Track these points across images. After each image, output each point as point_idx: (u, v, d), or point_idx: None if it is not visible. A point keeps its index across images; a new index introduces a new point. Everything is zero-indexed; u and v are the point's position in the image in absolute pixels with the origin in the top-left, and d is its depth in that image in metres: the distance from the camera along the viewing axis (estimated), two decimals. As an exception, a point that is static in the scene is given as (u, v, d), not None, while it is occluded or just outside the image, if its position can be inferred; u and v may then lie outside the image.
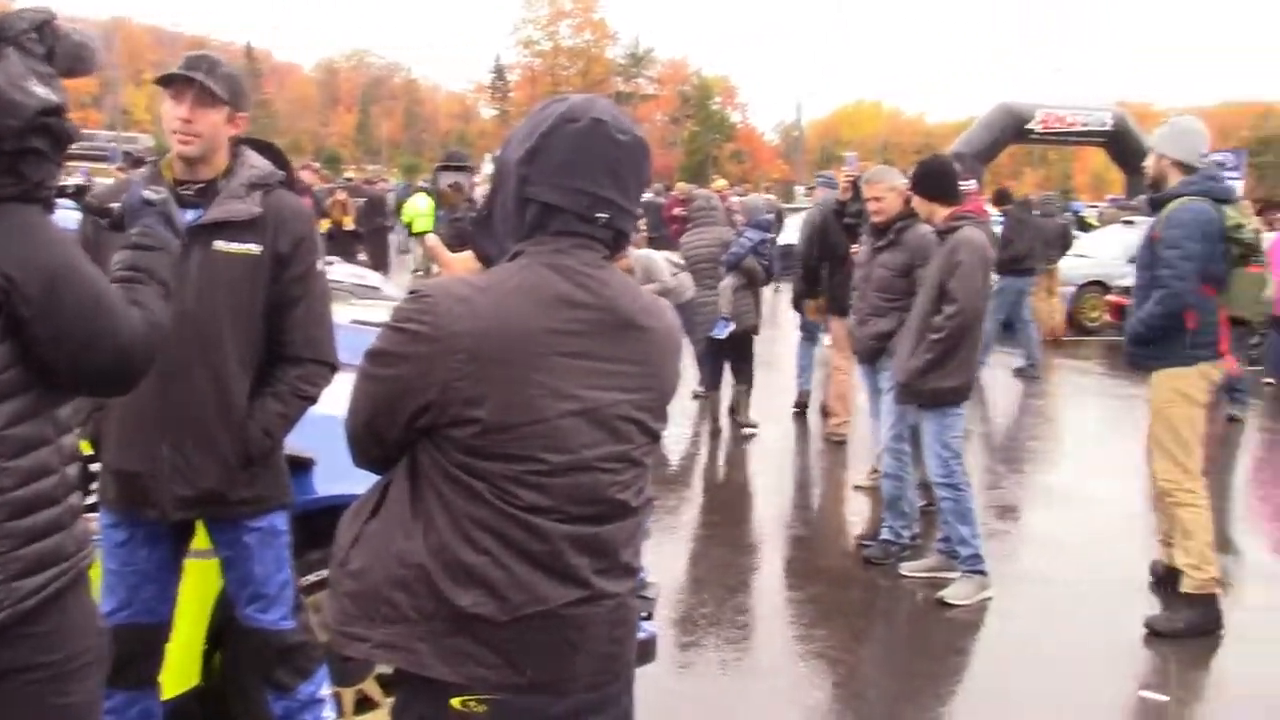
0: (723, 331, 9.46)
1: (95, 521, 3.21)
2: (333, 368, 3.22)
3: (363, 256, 17.60)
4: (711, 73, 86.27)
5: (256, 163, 3.15)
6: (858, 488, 8.06)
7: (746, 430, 9.81)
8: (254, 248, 3.05)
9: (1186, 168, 5.45)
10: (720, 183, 25.07)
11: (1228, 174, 28.82)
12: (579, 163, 1.90)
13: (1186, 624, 5.39)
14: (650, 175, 2.06)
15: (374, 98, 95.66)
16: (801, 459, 9.17)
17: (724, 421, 10.00)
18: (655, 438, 2.04)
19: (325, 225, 15.25)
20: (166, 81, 3.02)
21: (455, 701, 1.88)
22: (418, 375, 1.82)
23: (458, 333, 1.80)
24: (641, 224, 20.03)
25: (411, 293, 1.88)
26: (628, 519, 1.98)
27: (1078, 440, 10.12)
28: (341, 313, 7.51)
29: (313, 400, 3.19)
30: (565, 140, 1.90)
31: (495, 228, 2.00)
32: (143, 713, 3.21)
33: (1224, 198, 5.42)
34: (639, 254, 10.03)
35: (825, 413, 10.16)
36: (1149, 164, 5.62)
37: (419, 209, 19.40)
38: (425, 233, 20.51)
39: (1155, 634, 5.40)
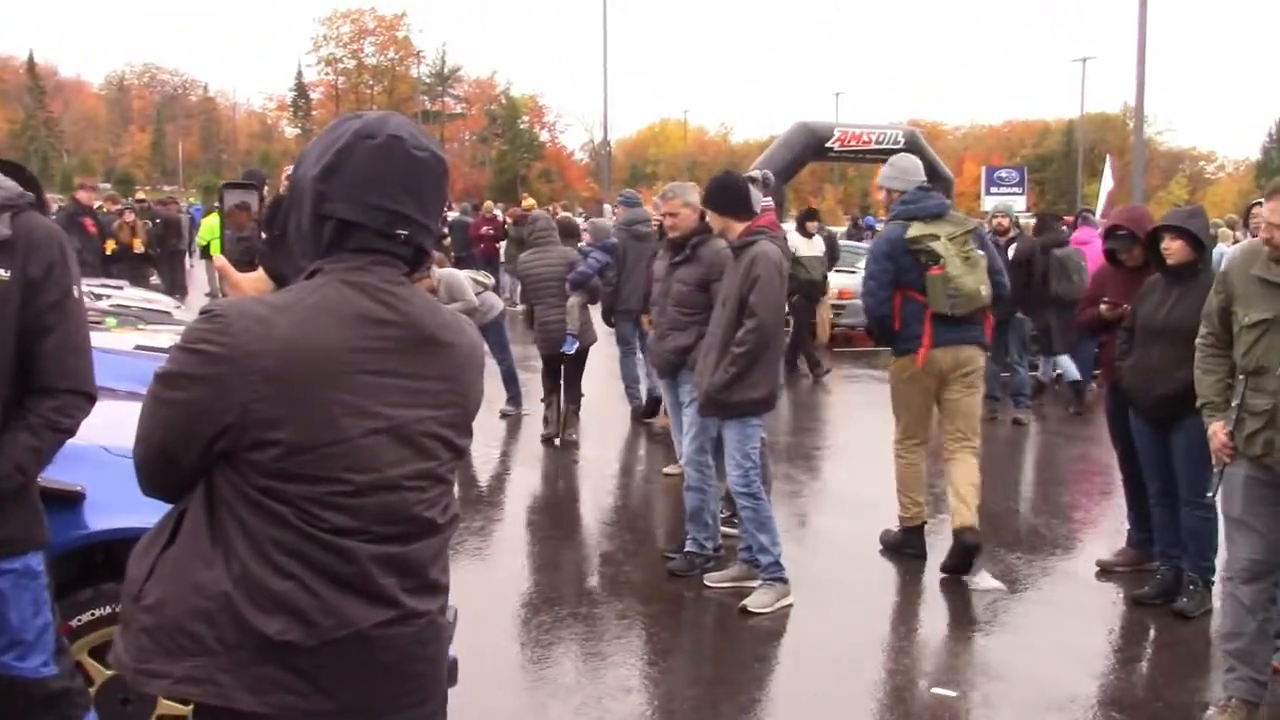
0: (571, 348, 9.76)
1: None
2: (90, 398, 3.03)
3: (156, 280, 16.98)
4: (519, 91, 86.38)
5: (3, 184, 2.94)
6: (667, 474, 8.32)
7: (569, 438, 10.01)
8: (3, 274, 2.85)
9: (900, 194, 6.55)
10: (529, 202, 25.05)
11: (1010, 189, 30.44)
12: (377, 179, 1.88)
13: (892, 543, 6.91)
14: (449, 192, 2.05)
15: (169, 115, 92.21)
16: (616, 474, 9.20)
17: (532, 435, 9.97)
18: (460, 453, 2.03)
19: (111, 247, 14.62)
20: None
21: None
22: (213, 398, 1.76)
23: (254, 353, 1.75)
24: (447, 242, 19.89)
25: (203, 312, 1.82)
26: (435, 536, 1.97)
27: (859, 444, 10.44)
28: (127, 338, 7.30)
29: (69, 433, 2.99)
30: (362, 156, 1.88)
31: (290, 246, 1.96)
32: None
33: (915, 216, 6.42)
34: (442, 273, 10.05)
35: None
36: (880, 196, 6.75)
37: (215, 230, 18.74)
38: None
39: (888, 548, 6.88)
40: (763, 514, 5.97)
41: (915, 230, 6.31)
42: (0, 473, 2.85)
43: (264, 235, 2.10)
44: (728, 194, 5.99)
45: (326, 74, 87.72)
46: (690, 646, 5.65)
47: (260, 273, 2.07)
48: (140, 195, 24.05)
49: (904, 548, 6.84)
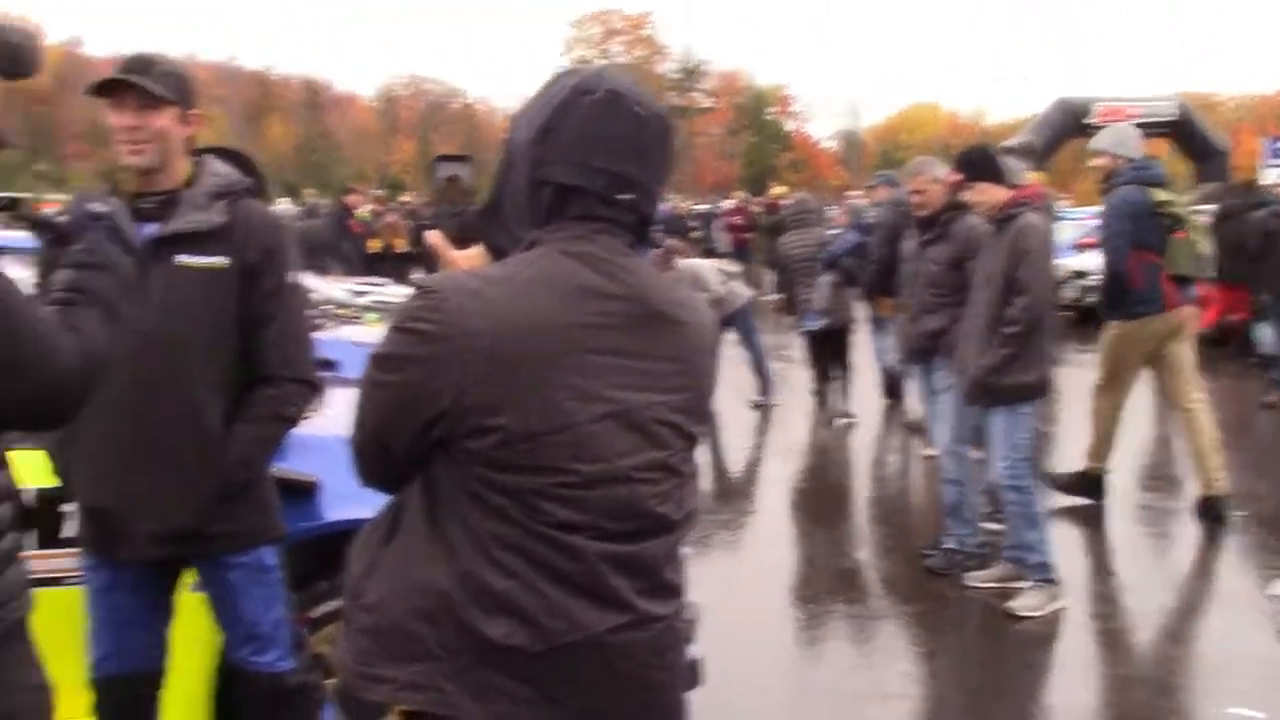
0: (814, 323, 9.79)
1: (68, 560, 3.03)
2: (313, 386, 2.99)
3: (416, 278, 17.58)
4: (766, 82, 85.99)
5: (220, 170, 2.92)
6: (927, 456, 8.01)
7: (845, 421, 9.96)
8: (220, 260, 2.82)
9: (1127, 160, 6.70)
10: (778, 189, 24.78)
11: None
12: (597, 138, 1.71)
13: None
14: (674, 154, 1.85)
15: (433, 123, 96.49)
16: (872, 461, 8.86)
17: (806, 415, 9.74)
18: (693, 442, 1.84)
19: (375, 246, 15.24)
20: (104, 90, 2.79)
21: None
22: (427, 379, 1.63)
23: (471, 331, 1.61)
24: (695, 235, 19.90)
25: (416, 288, 1.69)
26: (668, 534, 1.79)
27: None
28: (384, 332, 7.47)
29: (293, 422, 2.96)
30: (581, 114, 1.71)
31: (506, 216, 1.81)
32: None
33: (1150, 182, 6.62)
34: (686, 263, 10.03)
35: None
36: (1101, 162, 6.78)
37: None
38: None
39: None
40: (1030, 509, 5.52)
41: (1160, 195, 6.56)
42: (226, 465, 2.82)
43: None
44: (982, 162, 5.57)
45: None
46: (953, 650, 5.27)
47: (477, 248, 1.92)
48: (406, 198, 25.13)
49: (1080, 491, 7.17)
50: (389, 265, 15.13)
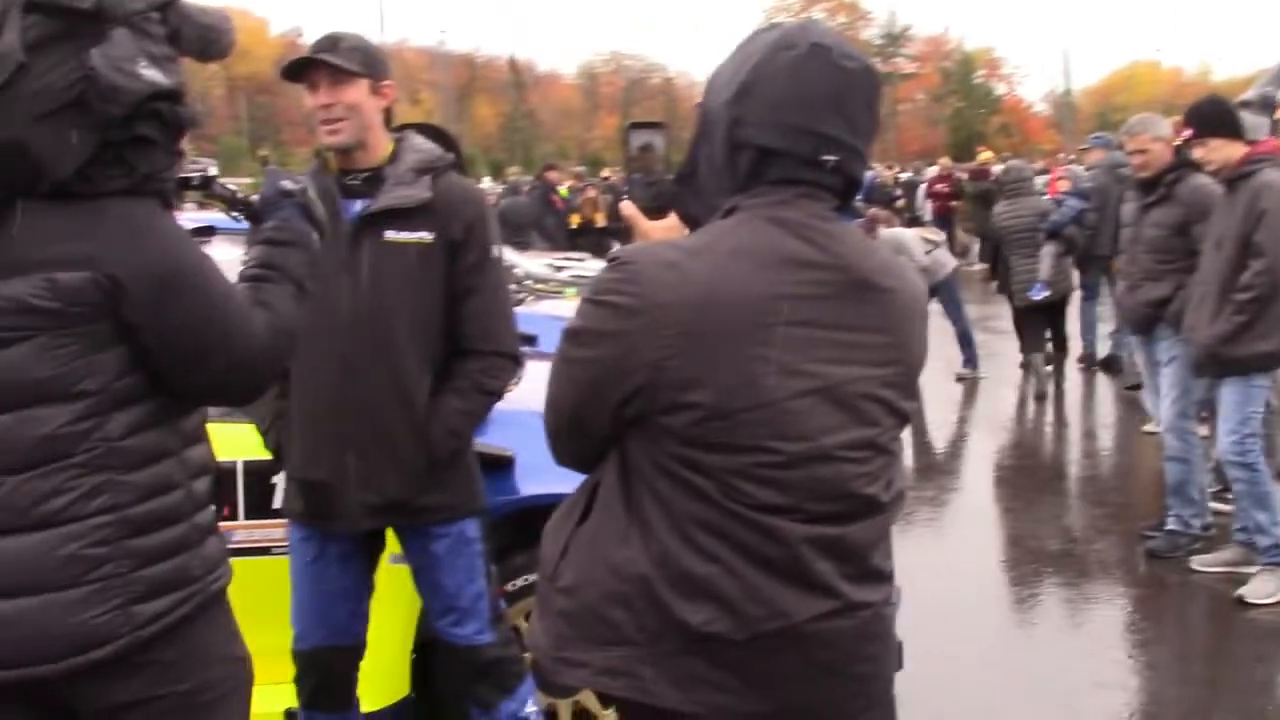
0: (1039, 294, 9.51)
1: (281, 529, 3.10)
2: (515, 360, 3.01)
3: (614, 252, 17.72)
4: (973, 45, 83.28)
5: (422, 146, 2.94)
6: (1147, 432, 7.61)
7: (1047, 389, 9.74)
8: (426, 235, 2.85)
9: None
10: (985, 155, 23.95)
11: None
12: (799, 96, 1.61)
13: None
14: (879, 111, 1.73)
15: (633, 99, 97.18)
16: (1083, 436, 8.47)
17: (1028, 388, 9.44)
18: (904, 420, 1.73)
19: (576, 221, 15.41)
20: (294, 73, 2.84)
21: None
22: (623, 355, 1.57)
23: (668, 303, 1.55)
24: (900, 204, 19.43)
25: (611, 260, 1.63)
26: (877, 516, 1.69)
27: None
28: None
29: (497, 396, 2.98)
30: (782, 71, 1.62)
31: (701, 183, 1.73)
32: None
33: None
34: (889, 233, 9.84)
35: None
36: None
37: None
38: None
39: None
40: (1261, 488, 5.14)
41: None
42: (434, 437, 2.86)
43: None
44: (1218, 114, 5.17)
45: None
46: (1175, 639, 4.97)
47: (671, 219, 1.85)
48: (606, 174, 25.33)
49: None
50: (589, 240, 15.30)
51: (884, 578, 1.74)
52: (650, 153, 2.01)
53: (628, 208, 1.90)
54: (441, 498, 2.92)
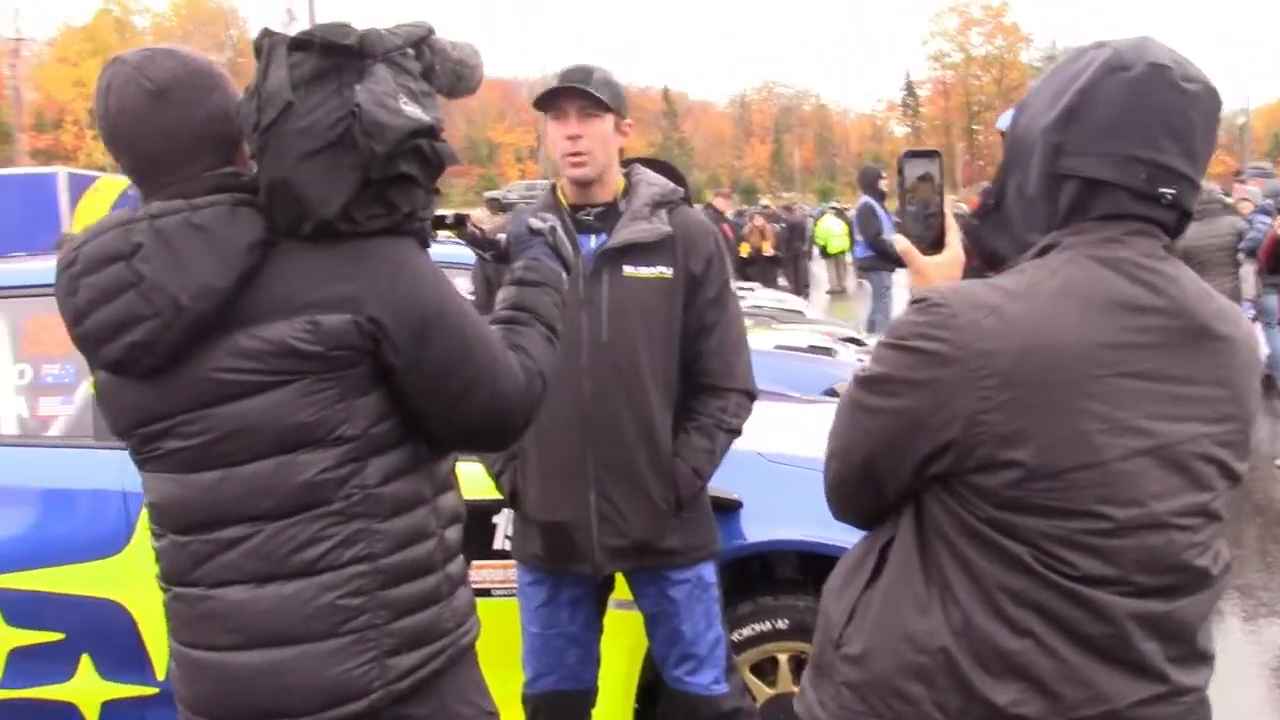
0: (1247, 314, 9.06)
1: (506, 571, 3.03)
2: (752, 396, 2.91)
3: (783, 281, 17.65)
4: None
5: (655, 180, 2.88)
6: None
7: None
8: (665, 270, 2.78)
9: None
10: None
11: None
12: (1134, 123, 1.46)
13: None
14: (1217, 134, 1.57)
15: (785, 126, 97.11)
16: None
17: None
18: (1236, 482, 1.55)
19: (745, 250, 15.31)
20: (546, 102, 2.79)
21: None
22: (934, 407, 1.44)
23: (987, 351, 1.41)
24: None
25: (917, 301, 1.50)
26: (1206, 591, 1.52)
27: None
28: (765, 338, 7.41)
29: (737, 433, 2.89)
30: (1114, 94, 1.47)
31: (1009, 217, 1.59)
32: None
33: None
34: None
35: None
36: None
37: (831, 230, 20.16)
38: (840, 253, 21.20)
39: None
40: None
41: None
42: (679, 477, 2.78)
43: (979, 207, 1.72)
44: None
45: (934, 70, 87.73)
46: None
47: (948, 254, 1.71)
48: (765, 202, 25.21)
49: None
50: (757, 269, 15.19)
51: (1208, 659, 1.57)
52: (927, 182, 1.85)
53: (901, 242, 1.76)
54: (683, 540, 2.83)
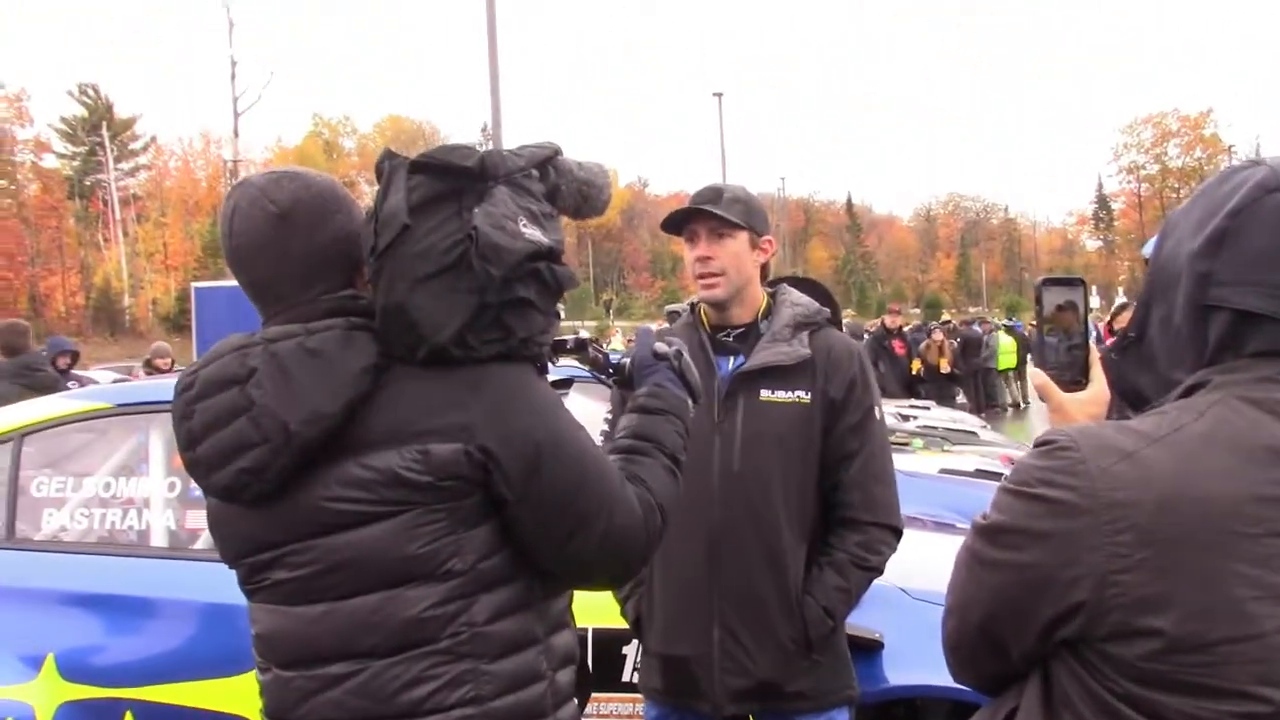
0: None
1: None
2: (897, 533, 2.72)
3: (961, 400, 17.18)
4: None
5: (799, 300, 2.77)
6: None
7: None
8: (804, 395, 2.65)
9: None
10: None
11: None
12: None
13: None
14: None
15: (972, 240, 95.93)
16: None
17: None
18: None
19: (917, 367, 15.00)
20: (675, 225, 2.74)
21: None
22: (1061, 563, 1.28)
23: (1121, 502, 1.25)
24: None
25: (1042, 444, 1.35)
26: None
27: None
28: (931, 461, 7.16)
29: (877, 571, 2.70)
30: (1270, 218, 1.32)
31: (1152, 352, 1.45)
32: None
33: None
34: None
35: None
36: None
37: (1002, 346, 20.34)
38: (1008, 370, 20.81)
39: None
40: None
41: None
42: (809, 616, 2.61)
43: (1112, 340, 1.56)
44: None
45: (1128, 182, 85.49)
46: None
47: (1092, 392, 1.56)
48: (946, 317, 24.77)
49: None
50: (934, 387, 14.84)
51: None
52: (1070, 311, 1.70)
53: (1038, 376, 1.61)
54: (814, 683, 2.65)
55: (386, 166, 1.79)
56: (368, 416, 1.72)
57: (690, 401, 2.02)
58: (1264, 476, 1.24)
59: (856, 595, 2.69)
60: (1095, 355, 1.61)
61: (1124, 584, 1.24)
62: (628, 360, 2.07)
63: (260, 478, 1.72)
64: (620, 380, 2.10)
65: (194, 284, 22.55)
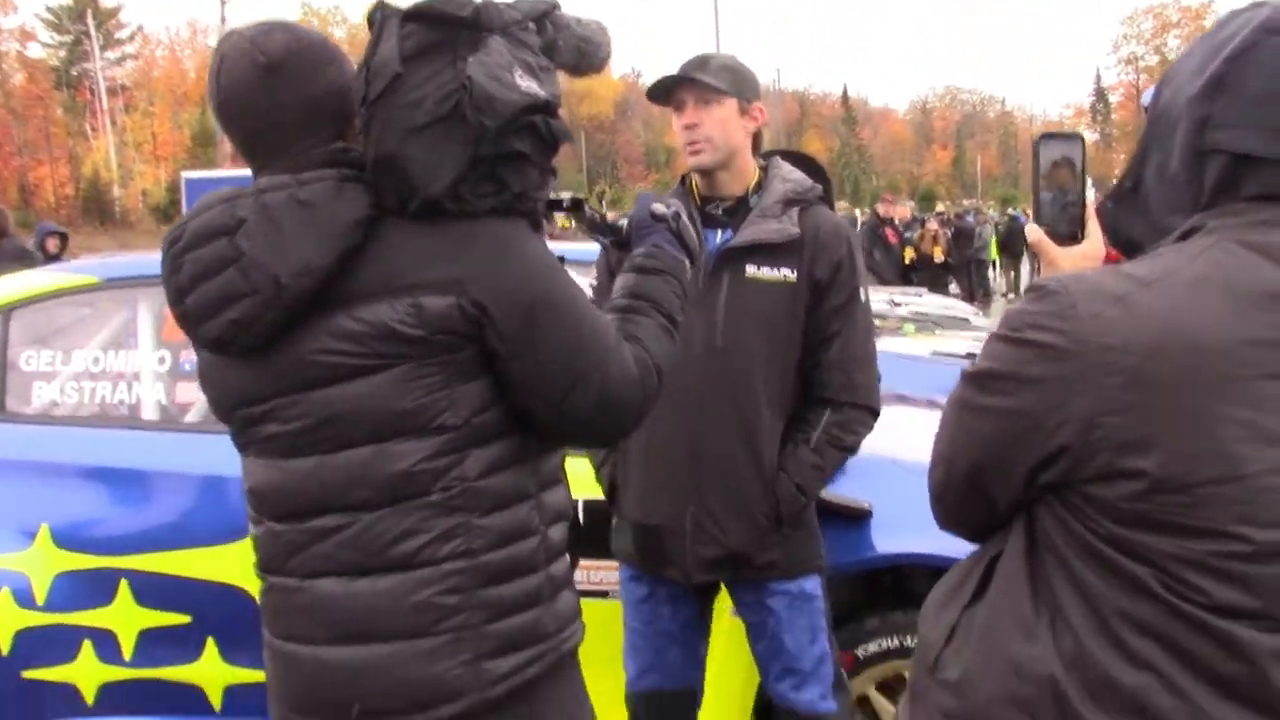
0: None
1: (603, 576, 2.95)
2: (874, 413, 2.74)
3: (954, 289, 17.20)
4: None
5: (790, 175, 2.72)
6: None
7: None
8: (790, 274, 2.62)
9: None
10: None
11: None
12: None
13: None
14: None
15: (968, 133, 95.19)
16: None
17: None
18: None
19: (910, 256, 14.97)
20: (662, 94, 2.69)
21: None
22: (1049, 407, 1.28)
23: (1112, 346, 1.24)
24: None
25: (1034, 290, 1.34)
26: None
27: None
28: (924, 344, 7.21)
29: (851, 451, 2.73)
30: (1271, 59, 1.29)
31: (1148, 200, 1.43)
32: None
33: None
34: None
35: None
36: None
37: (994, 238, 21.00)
38: (992, 261, 21.11)
39: None
40: None
41: None
42: (783, 492, 2.64)
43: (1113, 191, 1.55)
44: None
45: (1126, 74, 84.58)
46: None
47: (1087, 246, 1.54)
48: (940, 209, 24.70)
49: None
50: (924, 276, 14.82)
51: None
52: (1066, 168, 1.68)
53: (1034, 232, 1.58)
54: (783, 553, 2.69)
55: (379, 16, 1.74)
56: (358, 269, 1.70)
57: (688, 263, 2.00)
58: (1258, 320, 1.23)
59: (830, 472, 2.72)
60: (1091, 211, 1.59)
61: (1111, 427, 1.24)
62: (625, 221, 2.04)
63: (250, 330, 1.71)
64: (617, 242, 2.07)
65: (184, 173, 22.33)
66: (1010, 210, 26.52)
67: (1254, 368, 1.22)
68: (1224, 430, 1.21)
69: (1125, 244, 1.47)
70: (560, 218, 2.19)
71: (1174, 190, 1.37)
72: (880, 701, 3.12)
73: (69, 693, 3.20)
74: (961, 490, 1.44)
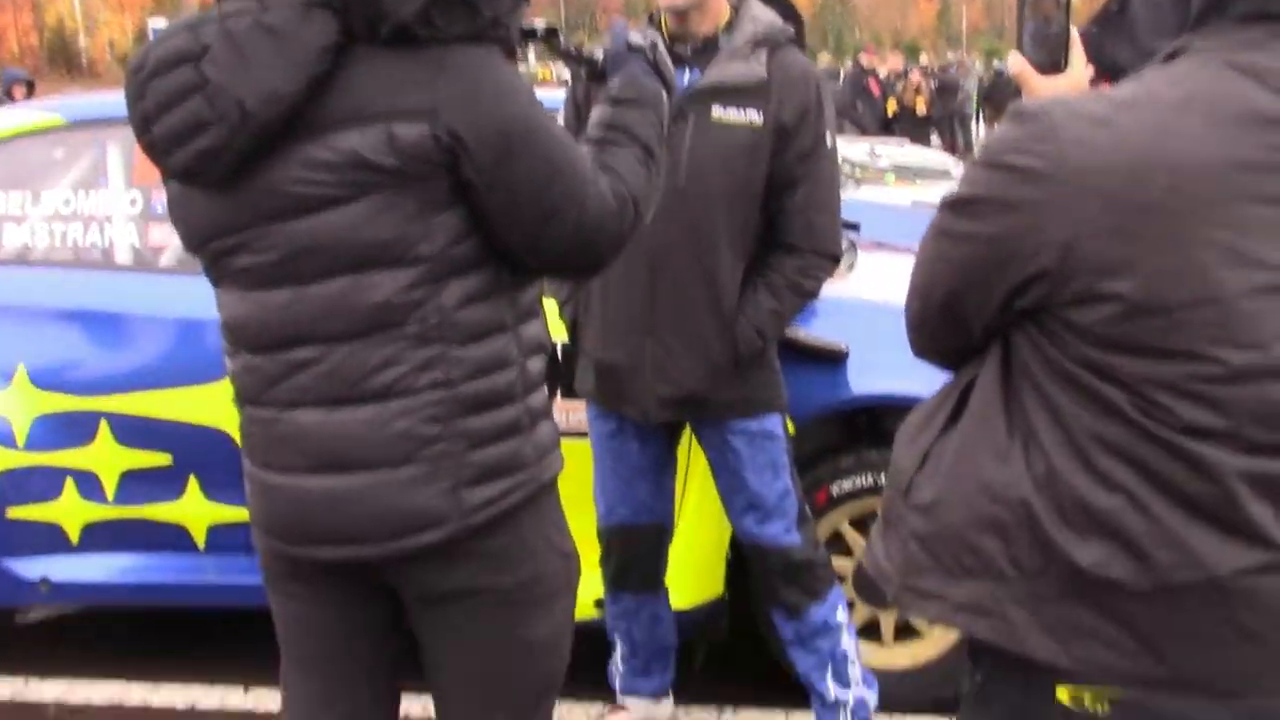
0: None
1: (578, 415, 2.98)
2: (835, 259, 2.74)
3: (936, 141, 17.14)
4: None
5: (761, 16, 2.65)
6: None
7: None
8: (755, 117, 2.58)
9: None
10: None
11: None
12: None
13: None
14: None
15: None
16: None
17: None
18: None
19: (893, 108, 14.84)
20: None
21: (1063, 692, 1.36)
22: (1026, 231, 1.27)
23: (1092, 169, 1.23)
24: None
25: (1014, 115, 1.31)
26: None
27: None
28: (904, 193, 7.21)
29: (811, 295, 2.74)
30: None
31: (1133, 23, 1.43)
32: (652, 617, 2.97)
33: None
34: None
35: None
36: None
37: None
38: (976, 113, 20.90)
39: None
40: None
41: None
42: (741, 335, 2.66)
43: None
44: None
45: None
46: None
47: (1070, 76, 1.50)
48: (925, 61, 24.36)
49: None
50: (906, 126, 14.73)
51: None
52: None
53: (1016, 63, 1.54)
54: (743, 393, 2.72)
55: None
56: (328, 97, 1.65)
57: (665, 94, 1.95)
58: (1242, 142, 1.22)
59: (789, 318, 2.74)
60: (1075, 40, 1.57)
61: (1088, 249, 1.23)
62: (599, 52, 1.99)
63: (219, 159, 1.66)
64: (592, 73, 2.02)
65: (150, 20, 21.73)
66: (995, 63, 26.15)
67: (1236, 191, 1.21)
68: (1204, 253, 1.21)
69: (1110, 68, 1.46)
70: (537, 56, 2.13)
71: (1161, 11, 1.36)
72: (853, 535, 3.19)
73: (54, 531, 3.25)
74: (938, 319, 1.44)
